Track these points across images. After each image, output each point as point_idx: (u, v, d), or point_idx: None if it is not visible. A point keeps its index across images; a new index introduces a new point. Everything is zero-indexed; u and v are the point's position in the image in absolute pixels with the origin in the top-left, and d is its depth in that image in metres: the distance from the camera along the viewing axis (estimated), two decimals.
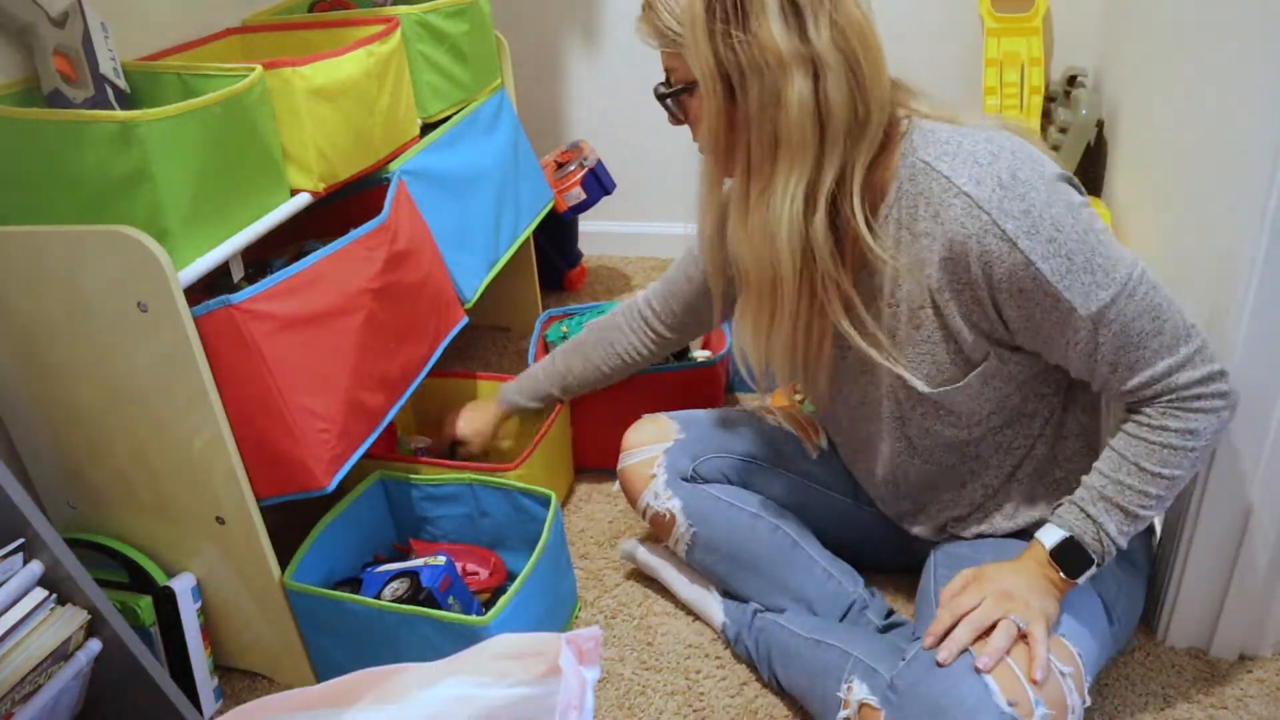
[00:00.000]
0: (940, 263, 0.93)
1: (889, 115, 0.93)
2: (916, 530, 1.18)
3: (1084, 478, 0.99)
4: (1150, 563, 1.15)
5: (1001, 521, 1.09)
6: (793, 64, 0.86)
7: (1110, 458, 0.97)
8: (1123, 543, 0.96)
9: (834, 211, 0.94)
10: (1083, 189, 0.95)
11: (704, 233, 1.13)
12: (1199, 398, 0.93)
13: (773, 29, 0.86)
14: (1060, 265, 0.88)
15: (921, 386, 1.00)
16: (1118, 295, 0.89)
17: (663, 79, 1.03)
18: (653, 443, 1.28)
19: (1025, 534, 1.06)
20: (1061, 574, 0.96)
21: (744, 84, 0.89)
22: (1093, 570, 0.96)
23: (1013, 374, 0.99)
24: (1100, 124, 1.86)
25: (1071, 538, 0.96)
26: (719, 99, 0.91)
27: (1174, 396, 0.93)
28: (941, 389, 1.00)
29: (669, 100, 1.01)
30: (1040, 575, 0.96)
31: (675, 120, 1.04)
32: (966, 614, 0.92)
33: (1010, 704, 0.86)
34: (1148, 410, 0.94)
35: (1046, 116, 1.95)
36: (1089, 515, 0.96)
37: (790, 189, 0.91)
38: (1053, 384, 1.03)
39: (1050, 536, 0.97)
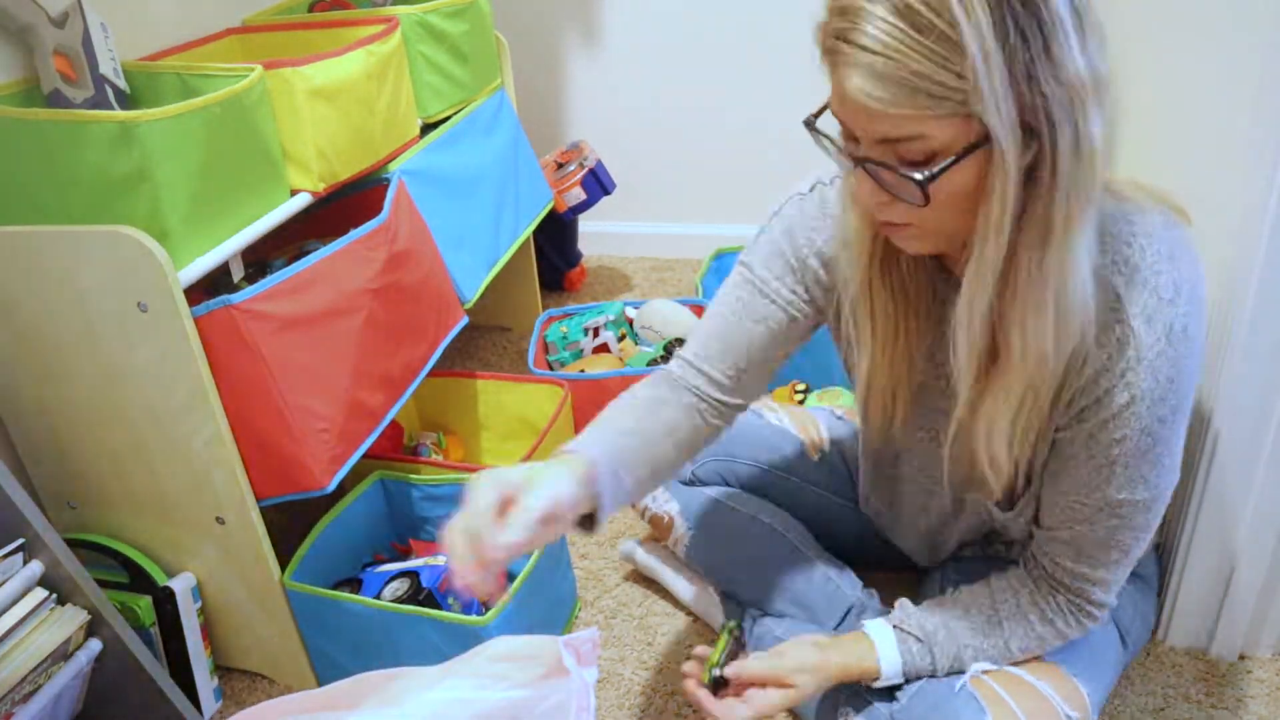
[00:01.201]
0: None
1: None
2: (922, 562, 1.16)
3: (947, 617, 0.94)
4: (1159, 577, 1.15)
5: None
6: (1091, 94, 0.68)
7: (986, 619, 0.94)
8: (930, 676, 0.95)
9: None
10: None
11: (961, 319, 0.78)
12: (1089, 616, 0.92)
13: (1074, 52, 0.67)
14: (1144, 444, 0.80)
15: (998, 514, 0.97)
16: (1142, 501, 0.84)
17: (854, 147, 0.74)
18: None
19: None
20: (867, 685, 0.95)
21: (1053, 132, 0.68)
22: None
23: None
24: None
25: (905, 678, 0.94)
26: (1017, 158, 0.68)
27: (1083, 602, 0.91)
28: (1010, 513, 0.96)
29: (925, 183, 0.70)
30: (838, 678, 0.94)
31: (882, 198, 0.75)
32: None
33: None
34: (1053, 599, 0.92)
35: None
36: (934, 667, 0.94)
37: (1086, 253, 0.73)
38: None
39: (890, 677, 0.94)
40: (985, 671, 0.93)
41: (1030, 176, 0.70)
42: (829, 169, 0.89)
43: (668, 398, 0.97)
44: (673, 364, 1.00)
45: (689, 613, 1.32)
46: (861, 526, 1.25)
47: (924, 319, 0.89)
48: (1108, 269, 0.78)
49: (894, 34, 0.65)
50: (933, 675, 0.94)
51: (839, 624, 1.15)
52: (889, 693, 0.97)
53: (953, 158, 0.69)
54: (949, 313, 0.80)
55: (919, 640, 0.94)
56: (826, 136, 0.76)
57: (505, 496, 0.77)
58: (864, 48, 0.66)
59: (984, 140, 0.68)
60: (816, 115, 0.76)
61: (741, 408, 1.01)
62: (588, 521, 0.85)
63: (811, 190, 0.96)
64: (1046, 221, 0.71)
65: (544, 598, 1.21)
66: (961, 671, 0.94)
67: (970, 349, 0.79)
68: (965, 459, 0.88)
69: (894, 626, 0.96)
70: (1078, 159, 0.70)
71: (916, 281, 0.87)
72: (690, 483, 1.24)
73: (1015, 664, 0.94)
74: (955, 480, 0.97)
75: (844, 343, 0.99)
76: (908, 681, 0.95)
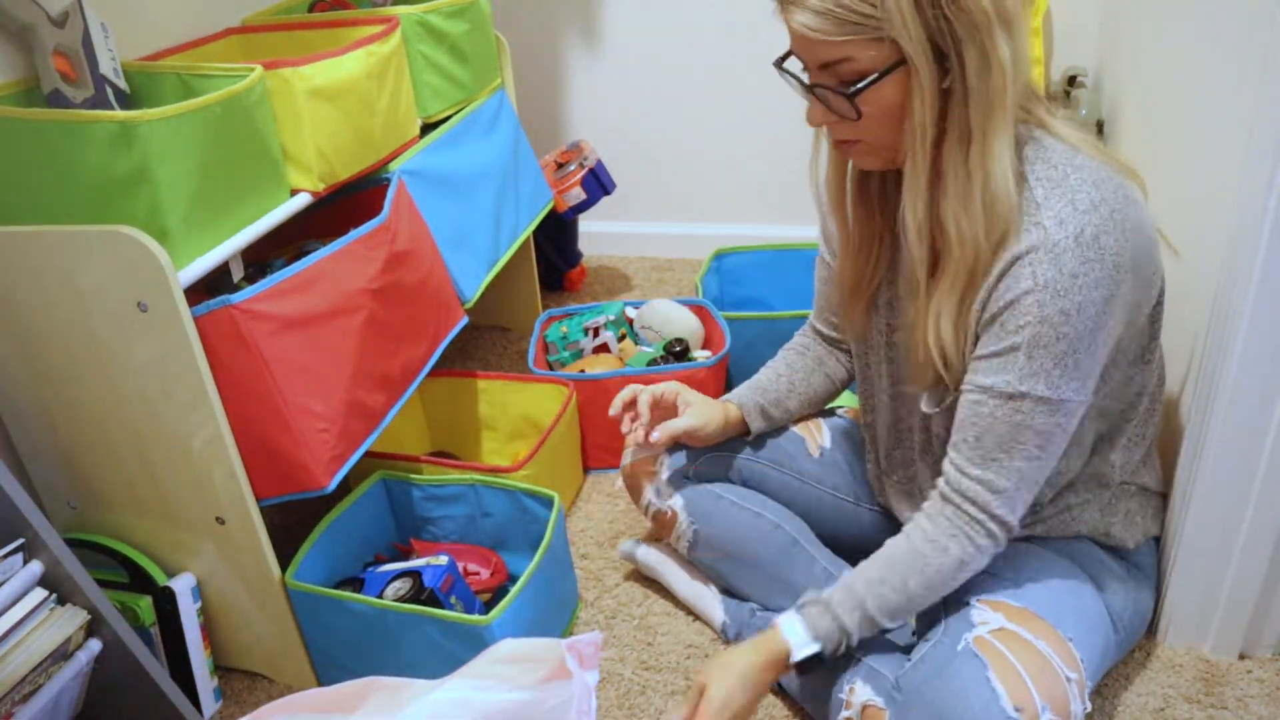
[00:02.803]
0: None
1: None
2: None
3: (846, 577, 0.99)
4: (1156, 569, 1.15)
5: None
6: (995, 22, 0.82)
7: (882, 562, 0.98)
8: (854, 644, 0.98)
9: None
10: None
11: (908, 219, 0.95)
12: (988, 534, 0.94)
13: None
14: (1046, 337, 0.87)
15: (925, 406, 1.01)
16: (1042, 400, 0.89)
17: (805, 74, 0.91)
18: None
19: (1032, 539, 1.07)
20: (793, 669, 0.98)
21: (960, 51, 0.82)
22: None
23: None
24: (1100, 124, 1.86)
25: (820, 650, 0.97)
26: (933, 75, 0.84)
27: (975, 512, 0.94)
28: (938, 408, 1.00)
29: (846, 99, 0.87)
30: (764, 681, 0.97)
31: (832, 119, 0.91)
32: None
33: (1017, 709, 0.86)
34: (951, 521, 0.95)
35: None
36: (842, 625, 0.97)
37: (1006, 154, 0.86)
38: None
39: (799, 647, 0.97)
40: (991, 631, 0.94)
41: (947, 91, 0.85)
42: None
43: (810, 345, 1.27)
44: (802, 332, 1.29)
45: (689, 613, 1.32)
46: (862, 522, 1.26)
47: (888, 229, 1.04)
48: (1037, 182, 0.88)
49: None
50: (847, 638, 0.97)
51: None
52: (893, 653, 1.00)
53: (875, 75, 0.85)
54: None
55: (816, 604, 0.98)
56: (788, 72, 0.93)
57: (670, 401, 1.20)
58: None
59: (901, 61, 0.84)
60: (783, 58, 0.93)
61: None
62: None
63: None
64: (964, 128, 0.86)
65: (546, 598, 1.21)
66: (883, 630, 0.99)
67: (919, 242, 0.92)
68: (918, 347, 0.99)
69: (798, 606, 1.00)
70: (986, 76, 0.83)
71: (884, 197, 1.02)
72: (693, 478, 1.25)
73: (1014, 621, 0.94)
74: (910, 374, 1.04)
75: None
76: (836, 652, 0.97)
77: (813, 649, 0.96)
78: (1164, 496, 1.14)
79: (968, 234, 0.89)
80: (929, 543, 0.96)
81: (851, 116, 0.88)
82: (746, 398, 1.23)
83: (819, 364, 1.25)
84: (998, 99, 0.84)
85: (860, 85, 0.86)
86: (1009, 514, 0.94)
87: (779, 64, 0.94)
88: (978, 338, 0.93)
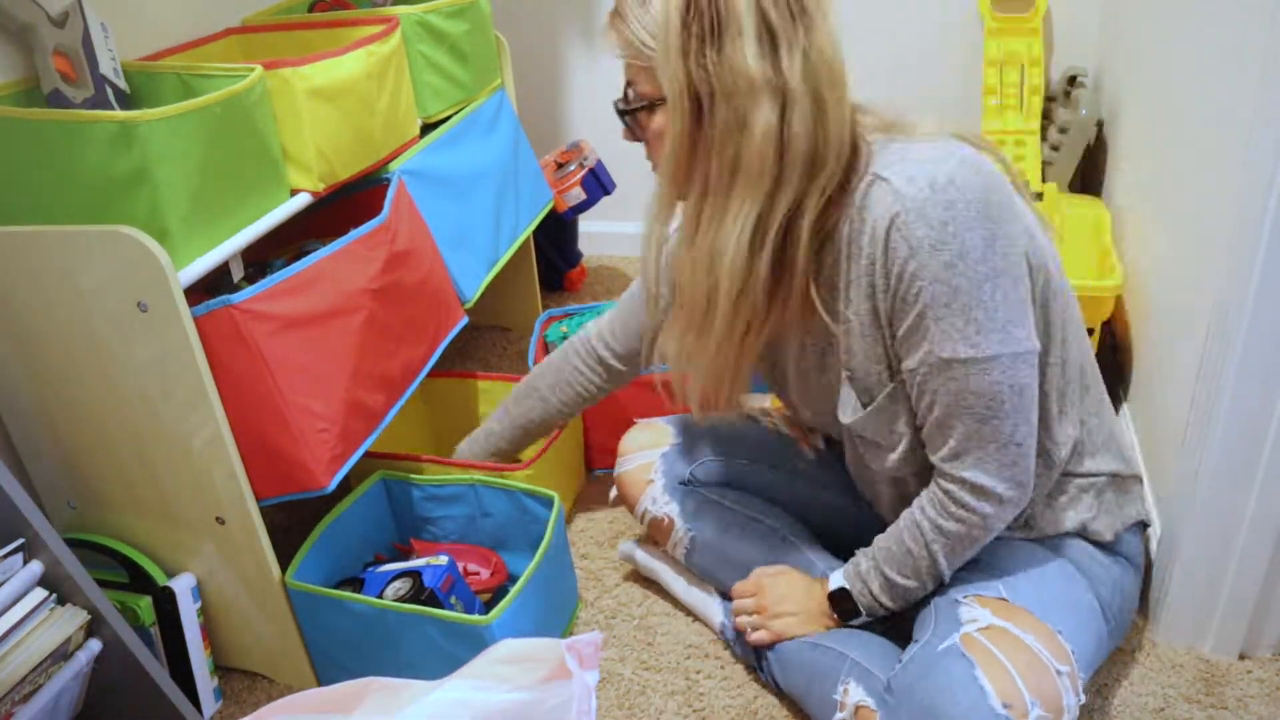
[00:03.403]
0: (868, 269, 0.92)
1: (848, 153, 0.91)
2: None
3: (878, 536, 1.05)
4: (1144, 556, 1.15)
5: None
6: (763, 91, 0.84)
7: (900, 527, 1.02)
8: (886, 601, 1.03)
9: (781, 250, 0.92)
10: (1033, 196, 0.99)
11: (648, 256, 1.08)
12: (962, 505, 0.95)
13: (747, 54, 0.84)
14: (941, 295, 0.87)
15: (844, 417, 1.02)
16: (969, 362, 0.89)
17: (621, 94, 1.00)
18: (649, 448, 1.28)
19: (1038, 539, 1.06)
20: (835, 615, 1.07)
21: (712, 106, 0.86)
22: (863, 619, 1.06)
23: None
24: (1100, 124, 1.86)
25: (846, 589, 1.05)
26: (685, 118, 0.88)
27: (949, 486, 0.96)
28: (854, 419, 1.01)
29: (628, 116, 0.98)
30: (818, 607, 1.08)
31: (631, 136, 1.00)
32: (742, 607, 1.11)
33: (1005, 706, 0.86)
34: (935, 492, 0.98)
35: (1046, 116, 1.95)
36: (860, 574, 1.05)
37: (742, 217, 0.89)
38: None
39: (833, 581, 1.07)
40: (979, 629, 0.94)
41: (699, 138, 0.89)
42: None
43: (576, 363, 1.33)
44: (587, 329, 1.33)
45: (689, 613, 1.32)
46: (858, 524, 1.25)
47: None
48: (884, 166, 0.89)
49: (632, 4, 0.92)
50: (869, 588, 1.04)
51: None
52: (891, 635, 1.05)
53: (645, 103, 0.94)
54: None
55: (859, 555, 1.06)
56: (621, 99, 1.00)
57: None
58: (618, 13, 0.94)
59: (664, 98, 0.89)
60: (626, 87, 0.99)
61: (628, 375, 1.33)
62: None
63: None
64: (704, 181, 0.90)
65: (546, 598, 1.21)
66: (891, 585, 1.02)
67: (694, 285, 0.96)
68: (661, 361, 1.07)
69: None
70: (738, 138, 0.86)
71: None
72: (688, 483, 1.24)
73: (1002, 617, 0.95)
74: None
75: None
76: (864, 601, 1.04)
77: (838, 584, 1.06)
78: (1139, 479, 1.11)
79: (685, 277, 0.96)
80: (919, 508, 1.00)
81: (633, 138, 0.99)
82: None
83: (581, 391, 1.33)
84: (746, 165, 0.87)
85: (630, 107, 0.96)
86: (989, 481, 0.94)
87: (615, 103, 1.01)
88: (892, 326, 0.93)
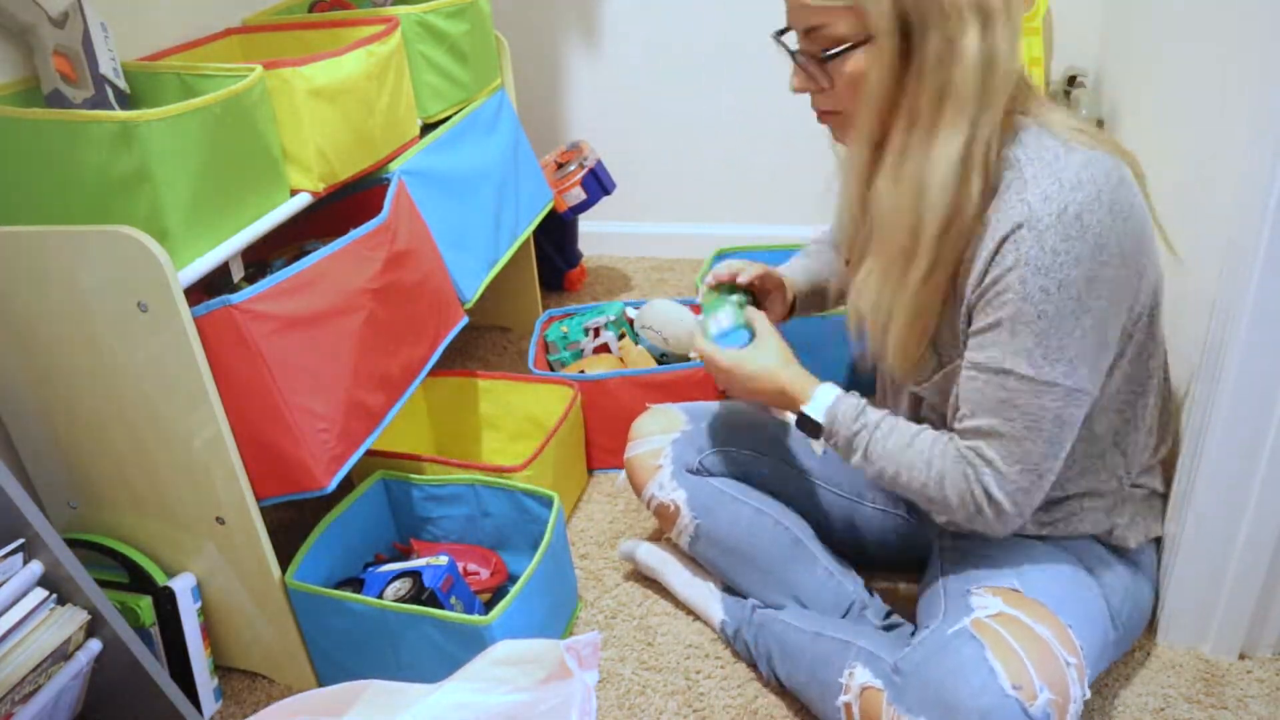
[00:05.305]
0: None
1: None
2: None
3: (870, 409, 1.03)
4: (1157, 569, 1.15)
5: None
6: (969, 13, 0.84)
7: (915, 448, 0.99)
8: (839, 452, 1.04)
9: (984, 178, 0.90)
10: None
11: (845, 196, 1.04)
12: (975, 503, 0.95)
13: None
14: (1027, 313, 0.88)
15: (919, 377, 1.02)
16: (1026, 380, 0.90)
17: (795, 43, 0.95)
18: (660, 433, 1.28)
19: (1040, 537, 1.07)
20: (800, 409, 1.05)
21: (924, 34, 0.85)
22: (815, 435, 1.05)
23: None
24: (1100, 124, 1.86)
25: (815, 419, 1.04)
26: (893, 52, 0.87)
27: (981, 465, 0.95)
28: (919, 385, 1.02)
29: (824, 64, 0.92)
30: (776, 387, 1.06)
31: (813, 85, 0.95)
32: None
33: (1015, 687, 0.87)
34: (955, 452, 0.96)
35: None
36: (843, 425, 1.02)
37: (952, 145, 0.88)
38: None
39: (814, 409, 1.04)
40: (990, 615, 0.94)
41: (907, 71, 0.87)
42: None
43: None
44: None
45: (689, 613, 1.32)
46: (863, 521, 1.26)
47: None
48: (1029, 162, 0.89)
49: None
50: (837, 439, 1.03)
51: (840, 619, 1.15)
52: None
53: (847, 45, 0.89)
54: None
55: (854, 402, 1.03)
56: (783, 42, 0.96)
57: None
58: None
59: (872, 34, 0.87)
60: (782, 31, 0.96)
61: None
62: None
63: None
64: (914, 110, 0.88)
65: (546, 598, 1.21)
66: (868, 461, 1.01)
67: (860, 217, 0.97)
68: (854, 318, 1.03)
69: (847, 390, 1.06)
70: (948, 64, 0.85)
71: None
72: (697, 472, 1.25)
73: (1013, 606, 0.95)
74: (870, 350, 1.07)
75: None
76: (825, 437, 1.04)
77: (818, 416, 1.03)
78: (1164, 497, 1.14)
79: (889, 214, 0.92)
80: (937, 453, 0.97)
81: (825, 85, 0.93)
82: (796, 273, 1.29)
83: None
84: (956, 90, 0.86)
85: (832, 52, 0.90)
86: (1009, 468, 0.93)
87: (778, 35, 0.97)
88: (970, 315, 0.94)
